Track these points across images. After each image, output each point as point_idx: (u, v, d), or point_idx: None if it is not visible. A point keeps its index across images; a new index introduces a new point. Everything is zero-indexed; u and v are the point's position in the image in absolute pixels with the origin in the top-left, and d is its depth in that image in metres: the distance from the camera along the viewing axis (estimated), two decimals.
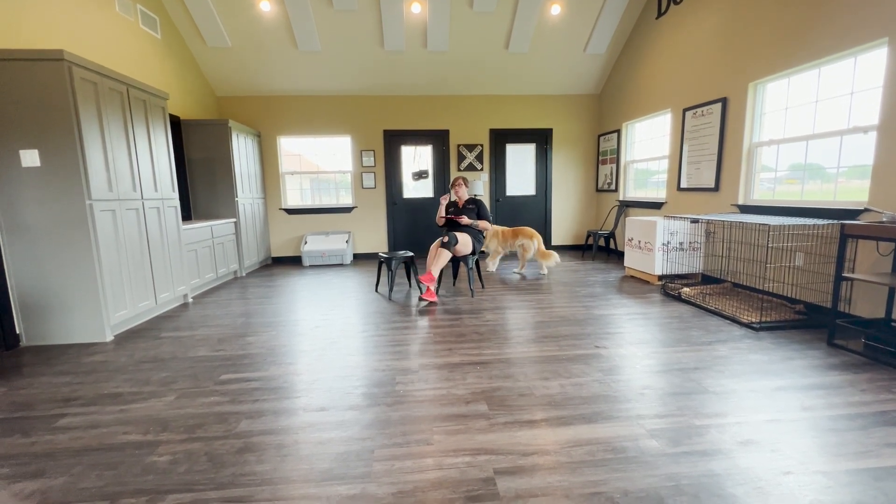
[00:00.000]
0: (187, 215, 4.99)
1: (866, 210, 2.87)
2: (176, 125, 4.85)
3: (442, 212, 4.34)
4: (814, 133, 3.30)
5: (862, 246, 2.88)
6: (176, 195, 3.94)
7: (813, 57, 3.22)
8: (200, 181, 5.12)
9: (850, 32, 2.95)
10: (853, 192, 3.07)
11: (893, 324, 2.63)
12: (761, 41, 3.66)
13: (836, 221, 2.95)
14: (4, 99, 2.73)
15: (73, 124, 2.79)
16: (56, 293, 2.96)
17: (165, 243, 3.76)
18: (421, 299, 3.92)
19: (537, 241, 4.97)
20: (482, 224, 4.20)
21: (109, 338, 3.08)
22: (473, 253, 4.11)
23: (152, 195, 3.60)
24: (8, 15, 2.99)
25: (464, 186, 4.37)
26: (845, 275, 2.61)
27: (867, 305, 2.88)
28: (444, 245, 3.86)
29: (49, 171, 2.82)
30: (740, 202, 3.96)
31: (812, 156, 3.36)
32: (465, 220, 4.14)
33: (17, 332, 2.96)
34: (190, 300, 4.16)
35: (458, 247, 3.94)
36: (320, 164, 6.50)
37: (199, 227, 4.44)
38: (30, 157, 2.79)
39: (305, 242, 6.22)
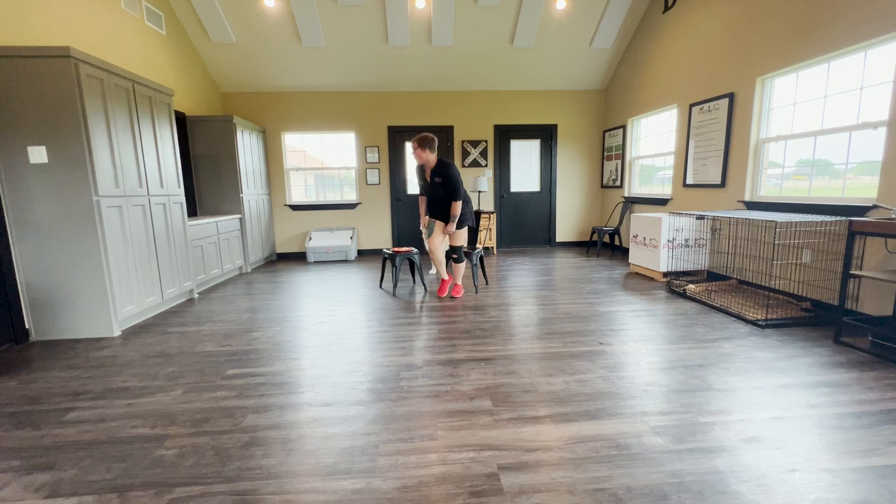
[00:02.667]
0: (193, 211, 5.02)
1: (875, 206, 2.84)
2: (181, 121, 4.87)
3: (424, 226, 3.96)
4: (822, 129, 3.26)
5: (870, 243, 2.86)
6: (181, 191, 3.96)
7: (822, 51, 3.17)
8: (206, 177, 5.14)
9: (860, 26, 2.91)
10: (862, 188, 3.04)
11: None
12: (769, 35, 3.62)
13: (844, 218, 2.92)
14: (12, 95, 2.75)
15: (79, 121, 2.81)
16: (64, 288, 2.99)
17: (171, 239, 3.79)
18: (452, 297, 3.88)
19: None
20: (454, 210, 3.60)
21: (117, 333, 3.11)
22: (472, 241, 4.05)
23: (158, 191, 3.62)
24: (14, 12, 3.01)
25: (426, 151, 3.50)
26: (853, 272, 2.58)
27: (875, 303, 2.85)
28: (456, 260, 3.82)
29: (56, 168, 2.84)
30: (747, 198, 3.93)
31: (820, 152, 3.32)
32: (450, 227, 3.68)
33: (27, 326, 2.99)
34: (196, 296, 4.19)
35: (463, 244, 3.85)
36: (325, 160, 6.51)
37: (204, 224, 4.46)
38: (37, 154, 2.81)
39: (310, 238, 6.23)
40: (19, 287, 2.94)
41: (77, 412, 2.00)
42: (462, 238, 3.80)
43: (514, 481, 1.46)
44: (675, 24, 4.86)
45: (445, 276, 3.96)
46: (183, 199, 3.98)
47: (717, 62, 4.22)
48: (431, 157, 3.56)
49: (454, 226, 3.67)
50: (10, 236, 2.88)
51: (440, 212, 3.78)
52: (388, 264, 5.79)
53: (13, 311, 2.91)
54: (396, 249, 4.17)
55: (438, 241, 3.82)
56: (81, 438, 1.78)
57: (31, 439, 1.79)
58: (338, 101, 6.25)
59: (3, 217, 2.84)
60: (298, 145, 6.42)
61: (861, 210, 2.94)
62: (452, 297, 3.88)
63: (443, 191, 3.61)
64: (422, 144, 3.48)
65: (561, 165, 6.75)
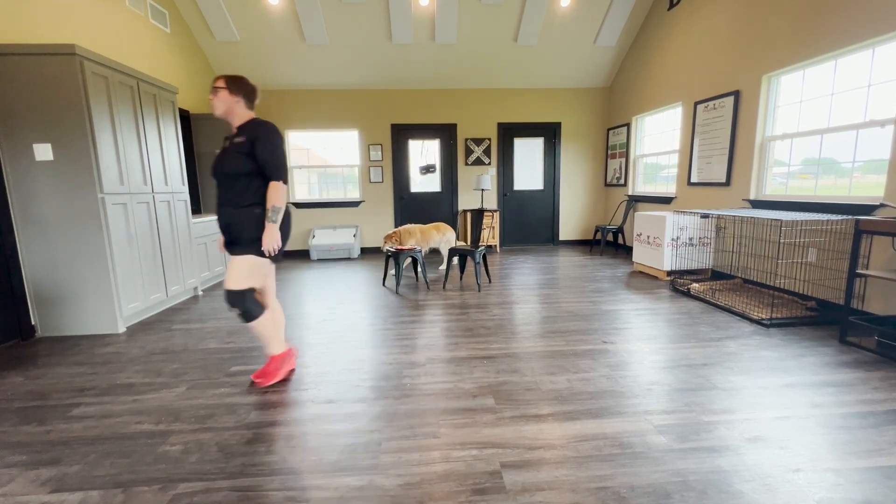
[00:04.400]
0: (197, 209, 5.03)
1: (882, 205, 2.81)
2: (185, 119, 4.89)
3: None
4: (828, 127, 3.24)
5: (877, 242, 2.83)
6: (186, 189, 3.98)
7: (829, 48, 3.14)
8: (209, 175, 5.15)
9: (868, 23, 2.88)
10: (868, 187, 3.01)
11: None
12: (775, 33, 3.58)
13: (850, 217, 2.90)
14: (18, 93, 2.77)
15: (85, 118, 2.83)
16: (70, 285, 3.01)
17: (176, 236, 3.80)
18: (252, 382, 2.24)
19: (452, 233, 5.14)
20: (273, 198, 1.97)
21: (122, 329, 3.13)
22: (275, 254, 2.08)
23: (163, 189, 3.63)
24: (20, 10, 3.02)
25: (236, 97, 2.02)
26: (859, 271, 2.56)
27: (881, 302, 2.83)
28: (242, 317, 2.06)
29: (62, 165, 2.85)
30: (752, 197, 3.90)
31: (826, 150, 3.30)
32: (268, 238, 1.97)
33: (33, 323, 3.02)
34: (200, 293, 4.20)
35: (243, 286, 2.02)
36: (328, 158, 6.51)
37: (208, 221, 4.47)
38: (43, 151, 2.83)
39: (313, 236, 6.24)
40: (25, 284, 2.96)
41: (82, 408, 2.02)
42: (242, 274, 2.00)
43: (516, 479, 1.46)
44: (680, 22, 4.82)
45: (274, 350, 2.23)
46: (187, 196, 3.99)
47: (723, 59, 4.19)
48: (241, 112, 2.05)
49: (271, 238, 1.96)
50: (15, 233, 2.90)
51: (226, 210, 2.01)
52: (392, 262, 5.79)
53: (19, 308, 2.93)
54: (399, 248, 4.17)
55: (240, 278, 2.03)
56: (86, 434, 1.79)
57: (36, 434, 1.80)
58: (341, 99, 6.24)
59: (9, 214, 2.86)
60: (302, 143, 6.42)
61: (868, 209, 2.91)
62: (253, 383, 2.21)
63: (247, 163, 1.95)
64: (232, 85, 2.00)
65: (564, 163, 6.73)
